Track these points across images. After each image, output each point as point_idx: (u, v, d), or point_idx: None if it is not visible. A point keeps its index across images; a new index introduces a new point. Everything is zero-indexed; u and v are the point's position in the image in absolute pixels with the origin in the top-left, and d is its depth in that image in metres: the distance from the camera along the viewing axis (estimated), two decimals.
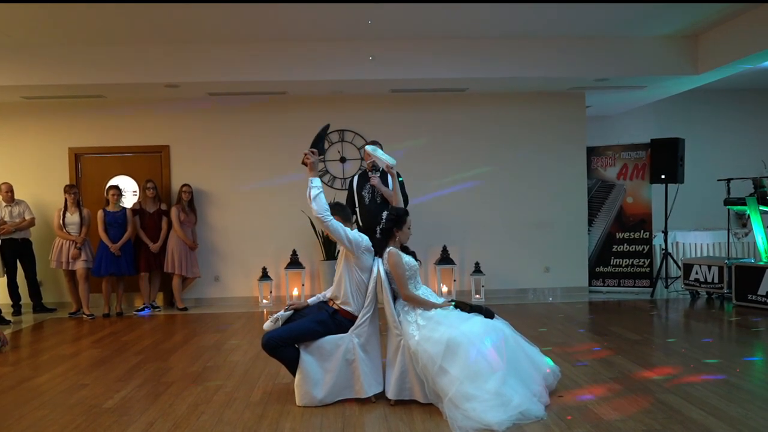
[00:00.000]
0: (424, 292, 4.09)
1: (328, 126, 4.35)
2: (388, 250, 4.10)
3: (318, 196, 3.89)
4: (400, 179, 5.33)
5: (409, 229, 4.21)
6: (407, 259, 4.10)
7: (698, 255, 8.72)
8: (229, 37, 6.99)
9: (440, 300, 4.10)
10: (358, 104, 8.19)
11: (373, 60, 7.15)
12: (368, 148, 5.09)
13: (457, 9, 6.27)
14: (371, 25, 6.66)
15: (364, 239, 4.07)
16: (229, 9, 6.12)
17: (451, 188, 8.25)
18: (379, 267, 4.06)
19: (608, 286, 8.53)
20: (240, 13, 6.24)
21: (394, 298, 4.06)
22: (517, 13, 6.43)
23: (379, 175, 5.82)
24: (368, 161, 5.78)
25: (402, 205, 4.79)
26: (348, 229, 4.01)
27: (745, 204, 7.30)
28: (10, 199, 7.53)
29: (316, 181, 3.93)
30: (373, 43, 7.15)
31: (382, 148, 5.17)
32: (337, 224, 3.94)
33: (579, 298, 8.03)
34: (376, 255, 4.16)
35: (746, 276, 7.04)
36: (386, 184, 5.78)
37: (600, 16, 6.58)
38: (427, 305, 3.98)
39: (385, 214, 4.23)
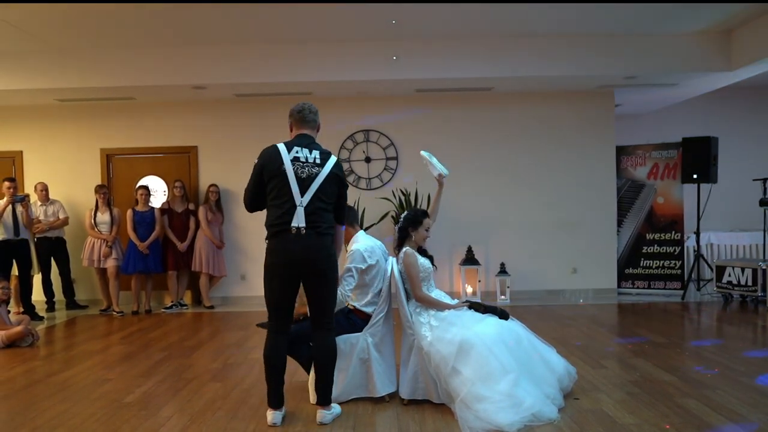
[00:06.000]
0: (436, 294, 4.07)
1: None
2: (404, 250, 4.10)
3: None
4: None
5: (426, 230, 4.18)
6: (422, 260, 4.09)
7: (734, 257, 8.46)
8: (255, 38, 7.07)
9: (454, 302, 4.07)
10: (383, 104, 8.20)
11: (398, 60, 7.15)
12: (424, 153, 4.46)
13: (481, 7, 6.22)
14: (395, 25, 6.66)
15: (366, 259, 4.01)
16: (254, 11, 6.19)
17: (475, 187, 8.20)
18: (393, 267, 4.06)
19: (638, 288, 8.34)
20: (266, 14, 6.31)
21: (408, 299, 4.05)
22: (543, 10, 6.34)
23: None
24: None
25: None
26: (350, 278, 3.96)
27: None
28: (45, 199, 7.75)
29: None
30: (398, 43, 7.15)
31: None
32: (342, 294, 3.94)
33: (607, 300, 7.88)
34: (390, 255, 4.16)
35: None
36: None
37: (629, 12, 6.44)
38: (440, 306, 3.96)
39: (405, 213, 4.23)
